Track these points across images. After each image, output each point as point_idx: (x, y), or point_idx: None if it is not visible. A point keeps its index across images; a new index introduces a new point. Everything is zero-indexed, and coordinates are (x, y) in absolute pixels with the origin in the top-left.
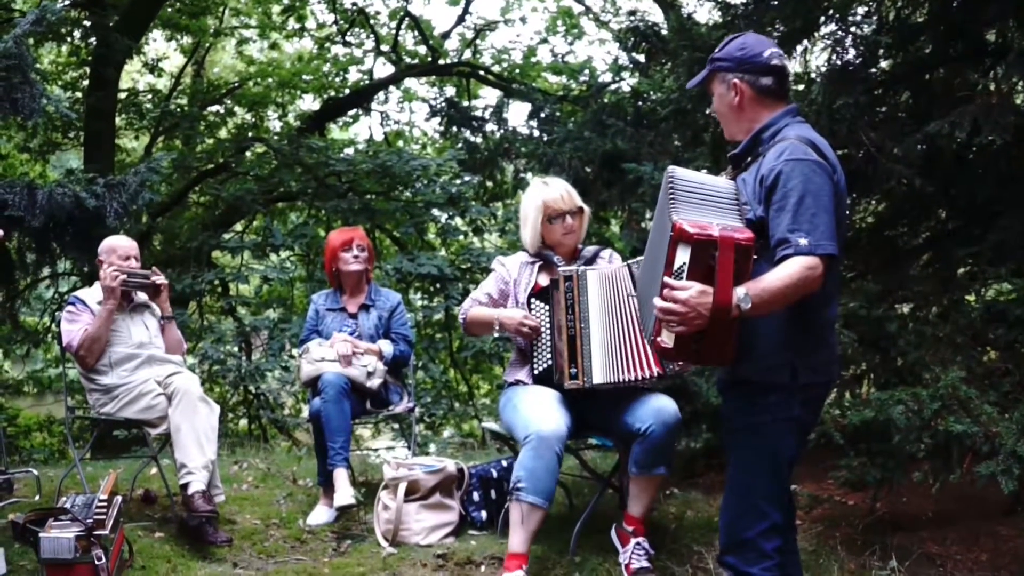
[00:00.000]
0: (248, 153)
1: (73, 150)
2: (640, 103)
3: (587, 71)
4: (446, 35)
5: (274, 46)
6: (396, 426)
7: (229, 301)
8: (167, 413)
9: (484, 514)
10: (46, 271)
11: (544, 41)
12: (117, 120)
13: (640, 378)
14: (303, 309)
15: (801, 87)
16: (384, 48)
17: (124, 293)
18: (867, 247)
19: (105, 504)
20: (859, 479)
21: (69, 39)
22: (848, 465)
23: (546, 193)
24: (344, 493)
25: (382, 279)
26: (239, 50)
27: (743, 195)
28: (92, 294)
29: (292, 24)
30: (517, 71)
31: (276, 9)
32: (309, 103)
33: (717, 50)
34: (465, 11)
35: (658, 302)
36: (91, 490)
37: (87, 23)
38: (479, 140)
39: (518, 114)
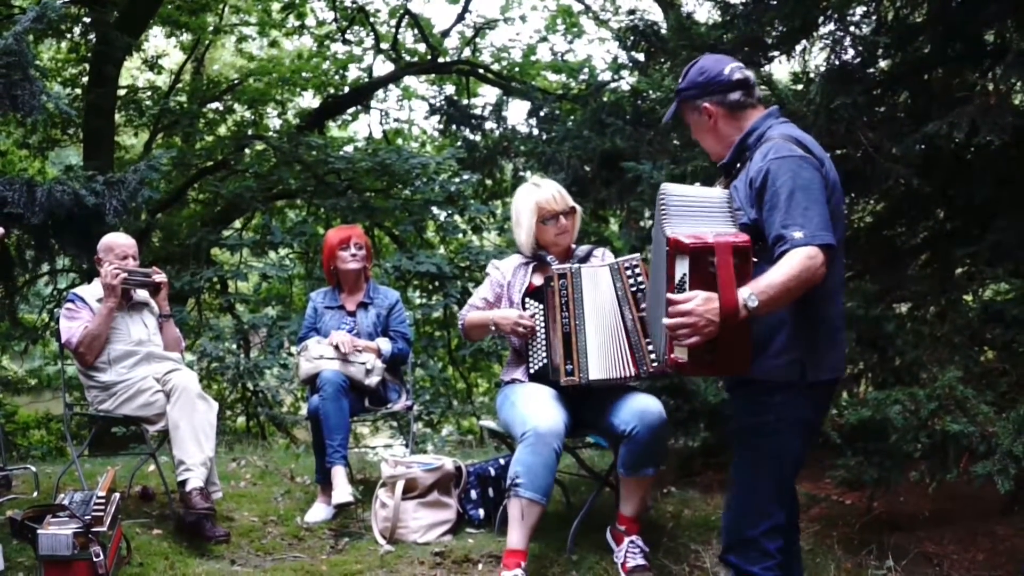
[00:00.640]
0: (247, 150)
1: (72, 147)
2: (639, 102)
3: (586, 70)
4: (446, 33)
5: (274, 43)
6: (394, 424)
7: (228, 298)
8: (165, 410)
9: (482, 512)
10: (45, 268)
11: (544, 39)
12: (117, 117)
13: (636, 375)
14: (302, 307)
15: (800, 87)
16: (384, 46)
17: (123, 291)
18: (865, 247)
19: (103, 501)
20: (856, 478)
21: (69, 36)
22: (845, 464)
23: (538, 195)
24: (342, 491)
25: (381, 277)
26: (239, 47)
27: (736, 202)
28: (91, 291)
29: (292, 21)
30: (516, 69)
31: (276, 6)
32: (309, 100)
33: (680, 81)
34: (465, 9)
35: (666, 320)
36: (89, 487)
37: (87, 20)
38: (478, 138)
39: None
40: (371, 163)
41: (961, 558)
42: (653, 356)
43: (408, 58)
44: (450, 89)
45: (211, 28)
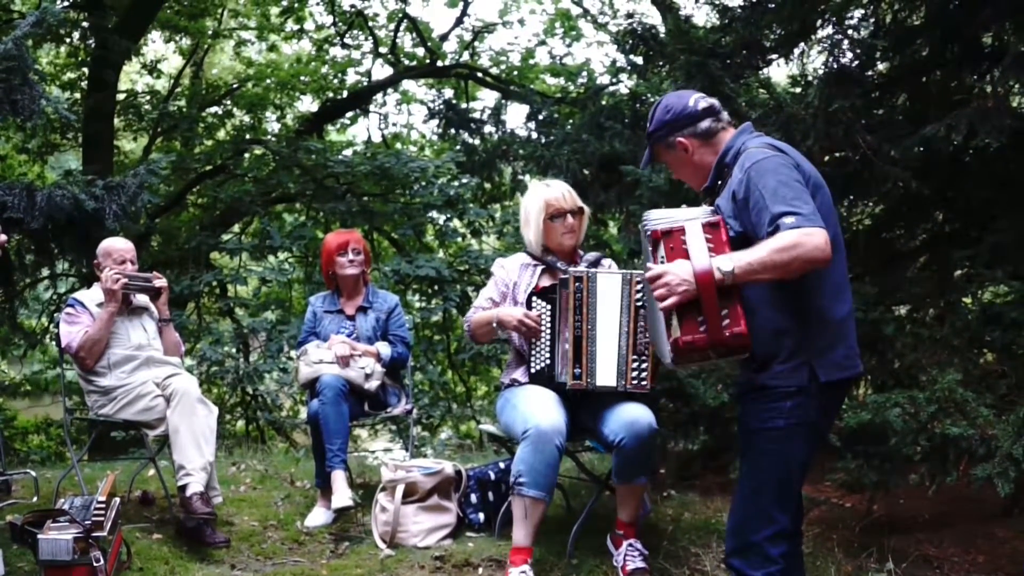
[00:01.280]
0: (246, 155)
1: (72, 151)
2: (638, 105)
3: (585, 73)
4: (444, 37)
5: (272, 48)
6: (394, 427)
7: (227, 303)
8: (165, 415)
9: (482, 516)
10: (45, 272)
11: (542, 43)
12: (116, 121)
13: (613, 387)
14: (301, 311)
15: (798, 90)
16: (382, 50)
17: (123, 296)
18: (864, 249)
19: (103, 506)
20: (856, 481)
21: (68, 40)
22: (845, 467)
23: (548, 193)
24: (342, 495)
25: (380, 281)
26: (237, 52)
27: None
28: (91, 296)
29: (291, 26)
30: (515, 73)
31: (275, 11)
32: (307, 105)
33: (648, 127)
34: (463, 13)
35: (652, 294)
36: (89, 492)
37: (86, 24)
38: (477, 142)
39: (516, 116)
40: (370, 167)
41: (961, 560)
42: (635, 375)
43: (407, 62)
44: (449, 93)
45: (210, 32)
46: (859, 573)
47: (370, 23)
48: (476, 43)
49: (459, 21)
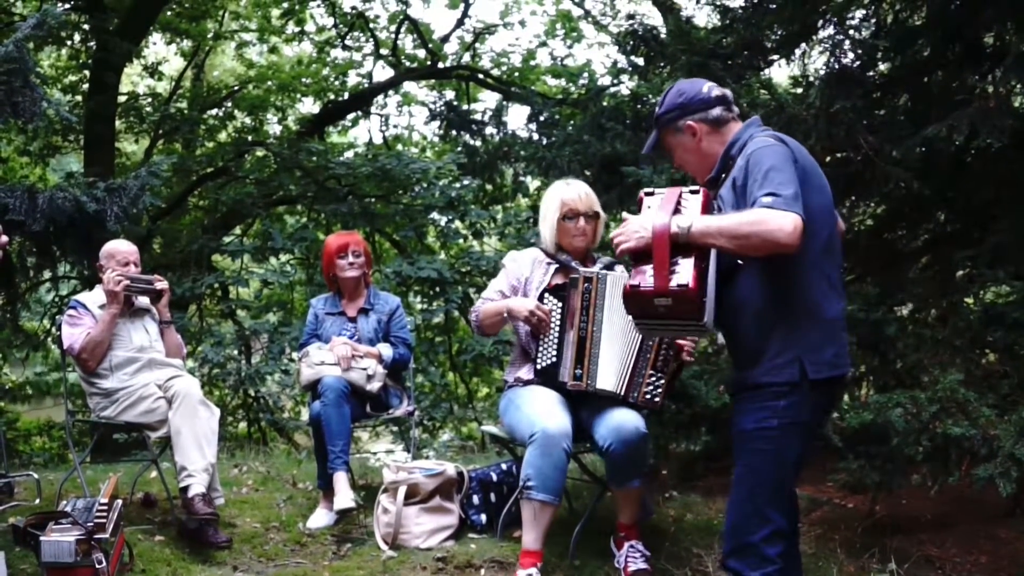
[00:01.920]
0: (248, 157)
1: (73, 153)
2: (639, 106)
3: (586, 74)
4: (445, 39)
5: (273, 50)
6: (395, 429)
7: (229, 305)
8: (167, 416)
9: (484, 517)
10: (47, 275)
11: (543, 44)
12: (117, 123)
13: (623, 397)
14: (303, 312)
15: (799, 90)
16: (383, 52)
17: (125, 298)
18: (866, 250)
19: (105, 507)
20: (858, 482)
21: (69, 43)
22: (847, 468)
23: (566, 192)
24: (344, 496)
25: (381, 282)
26: (239, 53)
27: (722, 208)
28: (93, 298)
29: (291, 28)
30: (516, 74)
31: (275, 13)
32: (308, 107)
33: (658, 110)
34: (464, 15)
35: (612, 234)
36: (91, 494)
37: (87, 27)
38: (478, 143)
39: (517, 117)
40: (371, 168)
41: (963, 561)
42: (649, 389)
43: (408, 63)
44: (450, 94)
45: (211, 35)
46: (861, 574)
47: (371, 25)
48: (477, 44)
49: (460, 23)
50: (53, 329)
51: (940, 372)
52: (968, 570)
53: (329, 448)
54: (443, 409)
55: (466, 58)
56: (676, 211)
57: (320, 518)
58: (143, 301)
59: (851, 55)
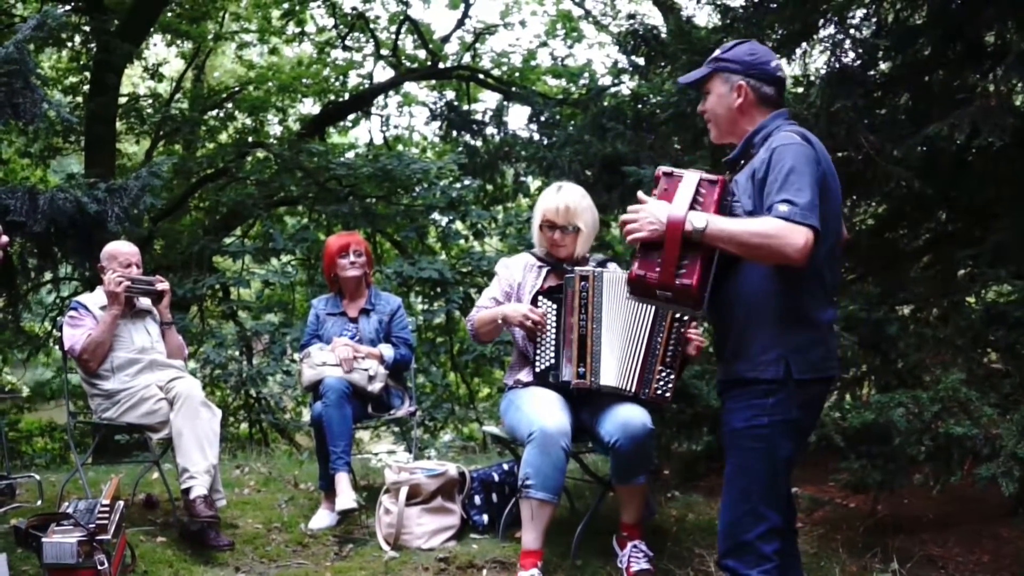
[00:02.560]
0: (248, 158)
1: (74, 155)
2: (640, 106)
3: (587, 74)
4: (446, 39)
5: (274, 51)
6: (396, 429)
7: (230, 305)
8: (169, 418)
9: (486, 518)
10: (48, 276)
11: (544, 44)
12: (118, 125)
13: (635, 394)
14: (304, 313)
15: (800, 90)
16: (384, 52)
17: (127, 299)
18: (867, 249)
19: (107, 509)
20: (860, 481)
21: (70, 44)
22: (849, 467)
23: (547, 201)
24: (346, 497)
25: (383, 283)
26: (239, 55)
27: (735, 194)
28: (94, 299)
29: (292, 28)
30: (517, 74)
31: (276, 14)
32: (309, 107)
33: (720, 51)
34: (465, 15)
35: (624, 216)
36: (93, 495)
37: (87, 28)
38: (479, 144)
39: (518, 117)
40: (372, 169)
41: (965, 561)
42: (660, 384)
43: (408, 64)
44: (450, 95)
45: (211, 36)
46: (863, 573)
47: (371, 25)
48: (478, 45)
49: (460, 23)
50: (54, 331)
51: (942, 371)
52: (970, 569)
53: (331, 449)
54: (444, 410)
55: (466, 58)
56: (692, 204)
57: (322, 519)
58: (144, 302)
59: (852, 54)
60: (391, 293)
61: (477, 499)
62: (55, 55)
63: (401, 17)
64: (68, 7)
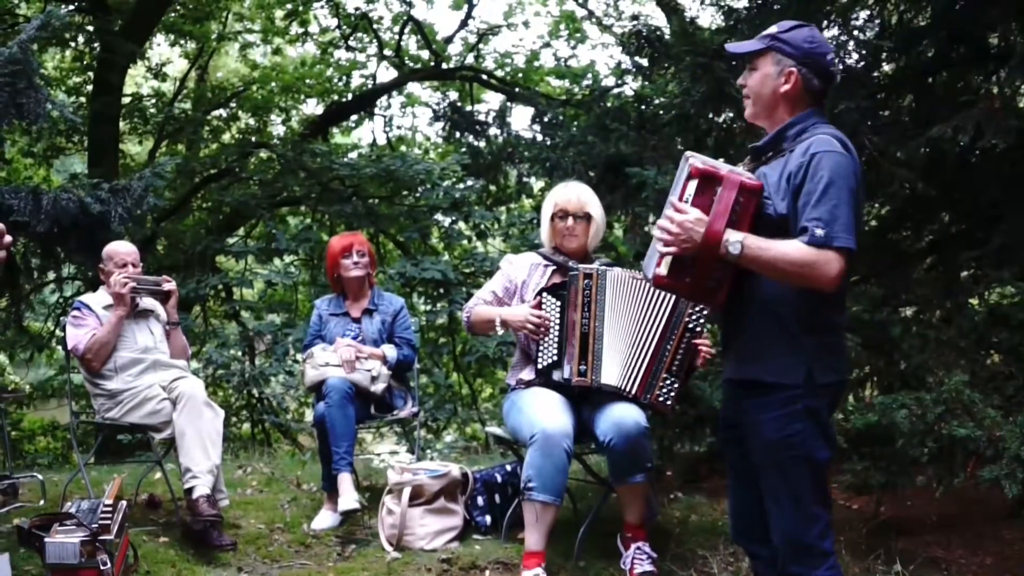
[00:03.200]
0: (252, 158)
1: (77, 155)
2: (643, 107)
3: (590, 75)
4: (449, 40)
5: (277, 51)
6: (399, 430)
7: (233, 306)
8: (172, 418)
9: (488, 519)
10: (51, 276)
11: (547, 45)
12: (121, 125)
13: (636, 397)
14: (307, 313)
15: None
16: (387, 53)
17: (130, 299)
18: (870, 251)
19: (110, 509)
20: (863, 483)
21: (73, 44)
22: (852, 469)
23: (560, 192)
24: (348, 498)
25: (385, 283)
26: (242, 55)
27: (767, 190)
28: (97, 299)
29: (295, 29)
30: (520, 75)
31: (279, 14)
32: (312, 108)
33: (777, 29)
34: (468, 16)
35: (660, 222)
36: (96, 495)
37: (91, 28)
38: (482, 144)
39: (521, 118)
40: (375, 170)
41: (968, 562)
42: (663, 391)
43: (411, 64)
44: (453, 95)
45: (215, 36)
46: (866, 575)
47: (375, 26)
48: (481, 45)
49: (464, 23)
50: (57, 331)
51: (945, 373)
52: (974, 571)
53: (333, 449)
54: (447, 410)
55: (470, 59)
56: (730, 218)
57: (324, 519)
58: (147, 302)
59: (855, 56)
60: (394, 294)
61: (480, 500)
62: (58, 55)
63: (404, 17)
64: (71, 7)
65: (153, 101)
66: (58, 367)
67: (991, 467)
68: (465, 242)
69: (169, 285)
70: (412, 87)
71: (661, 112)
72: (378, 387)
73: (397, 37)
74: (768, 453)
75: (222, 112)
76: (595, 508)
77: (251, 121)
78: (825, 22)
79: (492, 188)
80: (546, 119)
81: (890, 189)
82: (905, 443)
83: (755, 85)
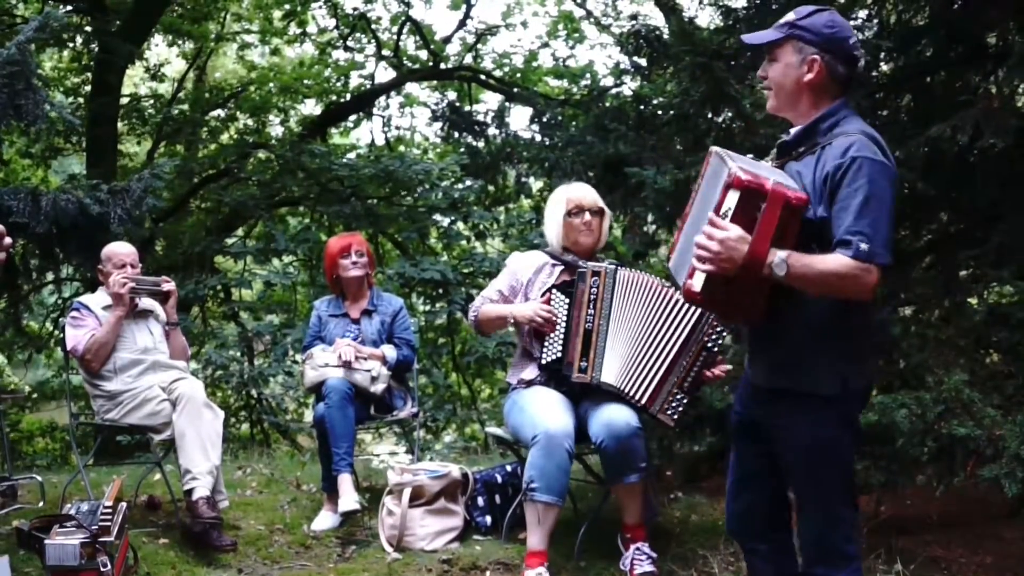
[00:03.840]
0: (250, 158)
1: (76, 155)
2: (642, 107)
3: (588, 75)
4: (447, 40)
5: (276, 51)
6: (399, 431)
7: (232, 306)
8: (171, 419)
9: (489, 519)
10: (50, 277)
11: (545, 45)
12: (119, 125)
13: (644, 407)
14: (306, 314)
15: None
16: (385, 53)
17: (129, 300)
18: None
19: (110, 510)
20: (863, 482)
21: (71, 45)
22: None
23: (570, 190)
24: (348, 498)
25: (384, 284)
26: (241, 55)
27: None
28: (96, 299)
29: (293, 29)
30: (518, 75)
31: (277, 14)
32: (311, 108)
33: (795, 16)
34: (466, 16)
35: (699, 237)
36: (96, 496)
37: (89, 29)
38: (481, 145)
39: (520, 118)
40: (374, 170)
41: (969, 562)
42: (671, 407)
43: (410, 65)
44: (452, 95)
45: (213, 36)
46: (867, 575)
47: (373, 26)
48: (479, 45)
49: (462, 24)
50: (56, 332)
51: (944, 373)
52: (974, 571)
53: (333, 450)
54: (446, 411)
55: (468, 59)
56: (774, 238)
57: (324, 520)
58: (146, 303)
59: None
60: (393, 294)
61: (480, 500)
62: (56, 56)
63: (403, 18)
64: (69, 7)
65: (151, 102)
66: (57, 368)
67: (991, 466)
68: (464, 242)
69: (168, 285)
70: (410, 87)
71: (660, 112)
72: (378, 388)
73: (395, 37)
74: (801, 456)
75: (220, 113)
76: (596, 508)
77: (249, 122)
78: None
79: (491, 188)
80: (545, 119)
81: None
82: (905, 442)
83: (777, 76)
